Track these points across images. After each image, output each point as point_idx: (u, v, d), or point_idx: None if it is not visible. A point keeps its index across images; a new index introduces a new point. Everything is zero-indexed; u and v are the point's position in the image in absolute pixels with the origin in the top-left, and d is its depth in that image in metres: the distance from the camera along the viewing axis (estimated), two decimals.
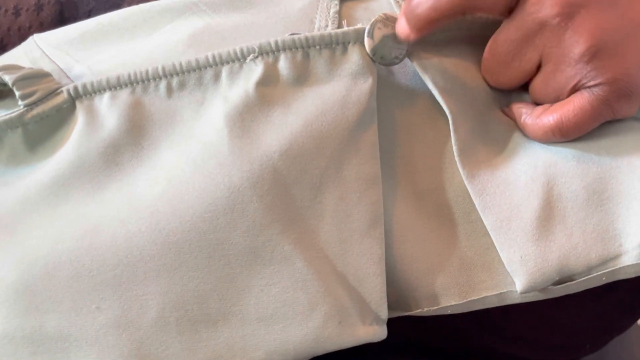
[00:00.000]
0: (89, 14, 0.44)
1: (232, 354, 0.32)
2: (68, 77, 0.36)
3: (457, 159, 0.34)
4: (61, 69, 0.36)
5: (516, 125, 0.36)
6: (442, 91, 0.34)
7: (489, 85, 0.36)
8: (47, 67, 0.36)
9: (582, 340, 0.44)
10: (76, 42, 0.37)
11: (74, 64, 0.36)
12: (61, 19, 0.45)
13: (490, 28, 0.35)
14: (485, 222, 0.34)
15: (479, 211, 0.34)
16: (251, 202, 0.32)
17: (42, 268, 0.32)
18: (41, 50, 0.37)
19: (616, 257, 0.33)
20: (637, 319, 0.45)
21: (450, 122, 0.34)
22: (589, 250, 0.33)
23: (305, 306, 0.32)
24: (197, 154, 0.33)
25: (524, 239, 0.33)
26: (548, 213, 0.33)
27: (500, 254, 0.33)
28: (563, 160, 0.34)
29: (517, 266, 0.33)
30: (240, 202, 0.32)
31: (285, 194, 0.33)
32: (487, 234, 0.34)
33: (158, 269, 0.32)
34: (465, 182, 0.34)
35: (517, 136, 0.35)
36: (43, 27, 0.44)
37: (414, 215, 0.35)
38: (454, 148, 0.34)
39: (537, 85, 0.35)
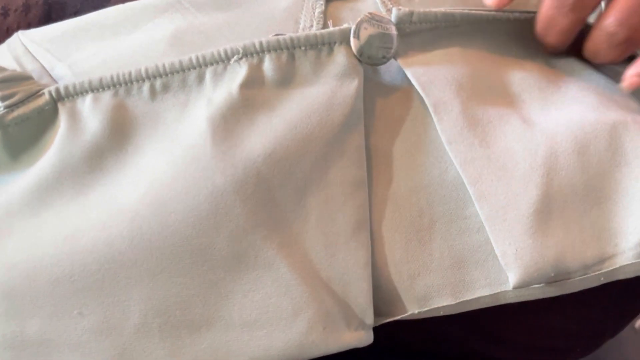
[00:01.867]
0: (75, 15, 0.44)
1: None
2: (50, 76, 0.36)
3: (447, 147, 0.33)
4: (43, 67, 0.36)
5: (515, 112, 0.35)
6: (423, 83, 0.34)
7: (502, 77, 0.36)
8: (29, 64, 0.36)
9: (573, 344, 0.43)
10: (57, 40, 0.37)
11: (55, 63, 0.36)
12: (48, 20, 0.45)
13: (477, 24, 0.35)
14: (480, 212, 0.32)
15: (474, 200, 0.32)
16: (234, 206, 0.31)
17: (22, 272, 0.31)
18: (24, 46, 0.37)
19: (612, 257, 0.32)
20: (628, 323, 0.45)
21: (432, 113, 0.33)
22: (585, 248, 0.32)
23: (289, 312, 0.32)
24: (179, 157, 0.32)
25: (520, 231, 0.32)
26: (546, 205, 0.32)
27: (495, 246, 0.32)
28: (564, 153, 0.33)
29: (511, 260, 0.32)
30: (224, 207, 0.31)
31: (269, 198, 0.32)
32: (480, 230, 0.33)
33: (140, 274, 0.31)
34: (459, 170, 0.33)
35: (515, 122, 0.34)
36: (31, 28, 0.44)
37: (404, 214, 0.34)
38: (442, 137, 0.33)
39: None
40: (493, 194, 0.32)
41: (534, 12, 0.37)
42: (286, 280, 0.32)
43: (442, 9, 0.35)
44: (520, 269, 0.31)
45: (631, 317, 0.44)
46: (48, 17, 0.45)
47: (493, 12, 0.36)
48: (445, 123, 0.33)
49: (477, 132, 0.33)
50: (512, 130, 0.34)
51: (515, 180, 0.32)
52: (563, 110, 0.35)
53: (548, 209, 0.32)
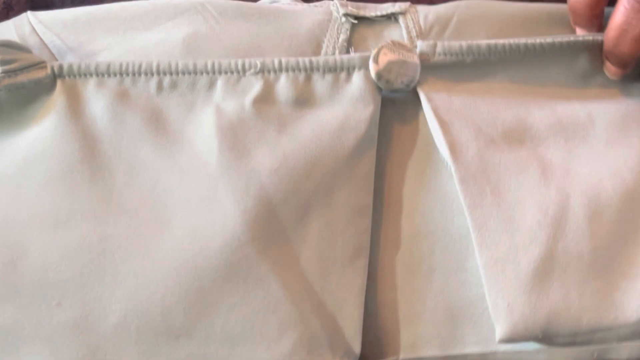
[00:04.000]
0: None
1: None
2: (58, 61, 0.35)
3: (458, 187, 0.32)
4: (52, 53, 0.35)
5: (535, 159, 0.34)
6: (441, 121, 0.33)
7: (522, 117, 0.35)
8: (36, 48, 0.35)
9: None
10: (69, 25, 0.36)
11: (66, 51, 0.35)
12: None
13: (507, 56, 0.35)
14: (479, 259, 0.32)
15: (475, 246, 0.32)
16: (233, 216, 0.31)
17: (6, 257, 0.31)
18: (31, 26, 0.36)
19: (607, 329, 0.31)
20: None
21: (448, 151, 0.33)
22: (581, 315, 0.31)
23: (275, 331, 0.30)
24: (183, 163, 0.32)
25: (515, 286, 0.31)
26: (547, 266, 0.31)
27: (487, 297, 0.31)
28: (575, 217, 0.32)
29: (501, 313, 0.31)
30: (222, 216, 0.31)
31: (270, 213, 0.31)
32: (478, 284, 0.32)
33: (127, 272, 0.30)
34: (467, 213, 0.32)
35: (533, 171, 0.33)
36: None
37: (404, 259, 0.33)
38: (455, 176, 0.32)
39: None
40: (495, 244, 0.32)
41: (575, 37, 0.36)
42: (276, 297, 0.31)
43: (468, 42, 0.35)
44: (509, 323, 0.31)
45: None
46: None
47: (524, 41, 0.35)
48: (460, 163, 0.33)
49: (491, 178, 0.33)
50: (528, 181, 0.33)
51: (520, 234, 0.32)
52: (584, 169, 0.34)
53: (548, 270, 0.31)
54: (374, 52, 0.34)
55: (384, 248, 0.33)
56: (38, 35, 0.35)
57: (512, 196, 0.33)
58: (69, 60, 0.35)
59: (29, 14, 0.36)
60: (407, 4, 0.36)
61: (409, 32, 0.36)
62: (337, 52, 0.35)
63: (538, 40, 0.35)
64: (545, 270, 0.31)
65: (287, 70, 0.33)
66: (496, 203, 0.32)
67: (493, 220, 0.32)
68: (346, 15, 0.36)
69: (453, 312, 0.33)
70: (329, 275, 0.32)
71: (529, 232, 0.32)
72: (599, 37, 0.36)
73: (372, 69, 0.33)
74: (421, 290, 0.33)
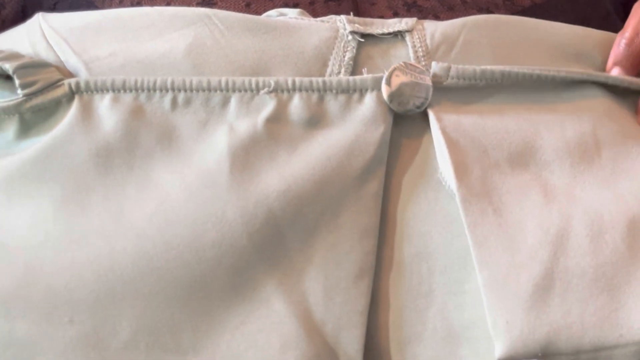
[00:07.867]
0: (53, 8, 0.42)
1: None
2: (66, 68, 0.35)
3: (460, 205, 0.33)
4: (58, 58, 0.35)
5: (538, 183, 0.34)
6: (448, 141, 0.34)
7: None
8: (44, 52, 0.35)
9: None
10: (77, 31, 0.36)
11: (70, 55, 0.35)
12: (23, 17, 0.43)
13: (524, 81, 0.35)
14: (479, 277, 0.32)
15: (476, 264, 0.32)
16: (241, 238, 0.31)
17: (20, 276, 0.31)
18: (41, 31, 0.36)
19: (612, 347, 0.31)
20: None
21: (453, 171, 0.33)
22: (583, 333, 0.31)
23: (277, 349, 0.31)
24: (193, 180, 0.32)
25: (515, 304, 0.31)
26: (548, 283, 0.32)
27: (487, 315, 0.32)
28: (577, 236, 0.33)
29: (500, 331, 0.31)
30: (230, 238, 0.31)
31: (276, 234, 0.32)
32: (477, 306, 0.33)
33: (136, 291, 0.31)
34: (467, 231, 0.32)
35: (535, 196, 0.34)
36: (5, 25, 0.43)
37: (403, 279, 0.34)
38: (457, 195, 0.33)
39: None
40: (495, 262, 0.32)
41: (588, 74, 0.37)
42: (279, 317, 0.32)
43: (482, 67, 0.35)
44: (507, 341, 0.31)
45: None
46: (24, 13, 0.44)
47: (537, 71, 0.35)
48: (464, 183, 0.33)
49: (493, 200, 0.33)
50: (530, 205, 0.34)
51: (521, 253, 0.32)
52: (588, 194, 0.34)
53: (549, 287, 0.32)
54: (386, 73, 0.34)
55: (385, 268, 0.34)
56: (47, 40, 0.35)
57: (514, 217, 0.33)
58: (72, 63, 0.35)
59: (41, 18, 0.36)
60: (414, 20, 0.36)
61: (415, 52, 0.35)
62: (343, 70, 0.35)
63: (551, 72, 0.36)
64: (546, 287, 0.32)
65: (300, 90, 0.33)
66: (497, 223, 0.33)
67: (494, 239, 0.32)
68: (353, 33, 0.35)
69: (452, 332, 0.33)
70: (333, 295, 0.32)
71: (530, 251, 0.32)
72: (610, 77, 0.37)
73: (385, 90, 0.34)
74: (421, 310, 0.34)
